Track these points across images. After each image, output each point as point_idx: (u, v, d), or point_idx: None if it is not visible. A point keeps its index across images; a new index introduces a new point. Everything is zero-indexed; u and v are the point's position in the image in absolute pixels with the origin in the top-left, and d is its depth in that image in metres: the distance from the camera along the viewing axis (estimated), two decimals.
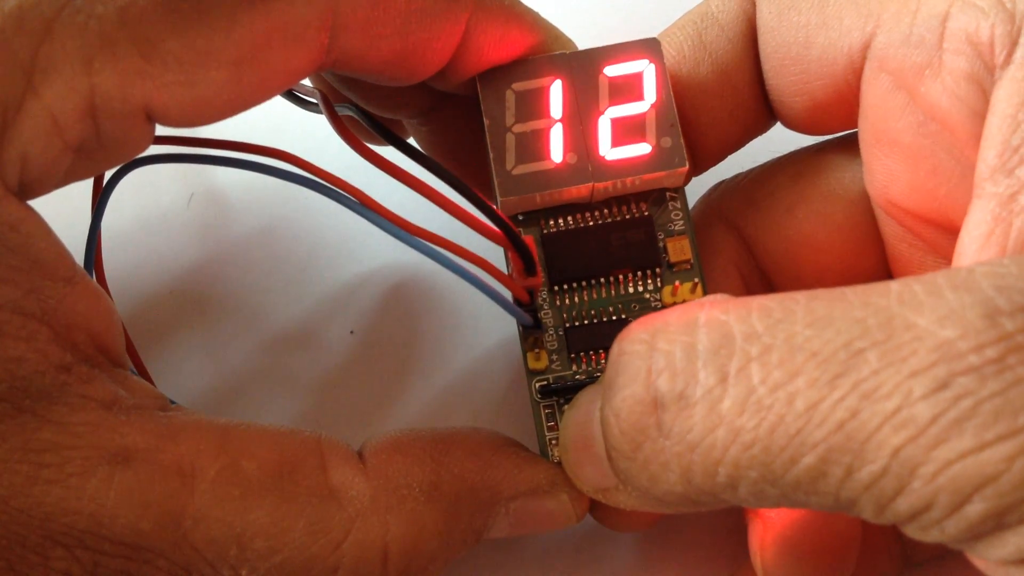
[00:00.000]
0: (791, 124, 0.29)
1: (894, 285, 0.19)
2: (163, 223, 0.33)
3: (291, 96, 0.28)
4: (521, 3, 0.27)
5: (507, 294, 0.26)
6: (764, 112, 0.29)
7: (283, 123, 0.33)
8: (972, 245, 0.22)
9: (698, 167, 0.29)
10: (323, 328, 0.32)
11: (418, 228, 0.23)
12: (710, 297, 0.21)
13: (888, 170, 0.26)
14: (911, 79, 0.24)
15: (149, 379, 0.29)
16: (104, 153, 0.23)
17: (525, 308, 0.26)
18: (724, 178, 0.30)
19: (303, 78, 0.24)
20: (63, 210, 0.25)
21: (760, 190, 0.29)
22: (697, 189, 0.30)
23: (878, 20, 0.25)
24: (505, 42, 0.26)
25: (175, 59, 0.22)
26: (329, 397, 0.31)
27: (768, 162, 0.30)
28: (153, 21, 0.21)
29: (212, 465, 0.23)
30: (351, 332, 0.32)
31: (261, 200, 0.34)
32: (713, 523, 0.30)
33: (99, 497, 0.22)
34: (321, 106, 0.26)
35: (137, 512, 0.22)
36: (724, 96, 0.28)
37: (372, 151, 0.25)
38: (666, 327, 0.21)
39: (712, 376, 0.19)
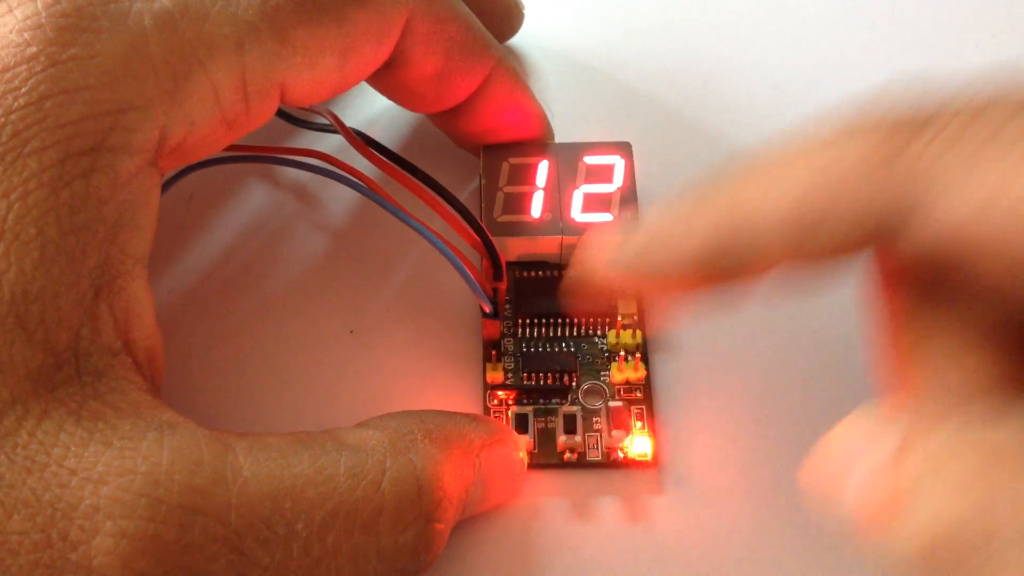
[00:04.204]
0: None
1: None
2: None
3: (284, 115, 0.33)
4: (527, 82, 0.33)
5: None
6: None
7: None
8: None
9: None
10: (323, 328, 0.33)
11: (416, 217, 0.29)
12: None
13: None
14: None
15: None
16: (240, 127, 0.26)
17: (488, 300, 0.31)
18: None
19: (374, 71, 0.29)
20: None
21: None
22: None
23: None
24: (511, 100, 0.33)
25: (303, 45, 0.26)
26: (329, 397, 0.31)
27: None
28: (287, 13, 0.25)
29: (241, 440, 0.24)
30: (351, 332, 0.33)
31: (260, 201, 0.35)
32: (713, 523, 0.30)
33: (153, 456, 0.22)
34: (335, 125, 0.31)
35: (191, 468, 0.22)
36: None
37: (375, 155, 0.30)
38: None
39: None
